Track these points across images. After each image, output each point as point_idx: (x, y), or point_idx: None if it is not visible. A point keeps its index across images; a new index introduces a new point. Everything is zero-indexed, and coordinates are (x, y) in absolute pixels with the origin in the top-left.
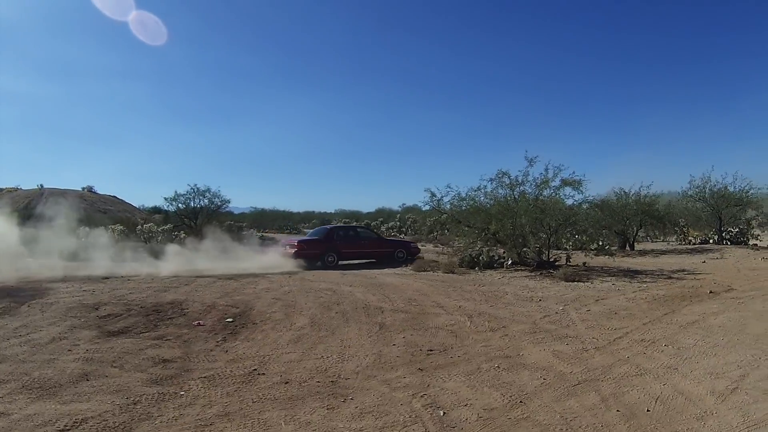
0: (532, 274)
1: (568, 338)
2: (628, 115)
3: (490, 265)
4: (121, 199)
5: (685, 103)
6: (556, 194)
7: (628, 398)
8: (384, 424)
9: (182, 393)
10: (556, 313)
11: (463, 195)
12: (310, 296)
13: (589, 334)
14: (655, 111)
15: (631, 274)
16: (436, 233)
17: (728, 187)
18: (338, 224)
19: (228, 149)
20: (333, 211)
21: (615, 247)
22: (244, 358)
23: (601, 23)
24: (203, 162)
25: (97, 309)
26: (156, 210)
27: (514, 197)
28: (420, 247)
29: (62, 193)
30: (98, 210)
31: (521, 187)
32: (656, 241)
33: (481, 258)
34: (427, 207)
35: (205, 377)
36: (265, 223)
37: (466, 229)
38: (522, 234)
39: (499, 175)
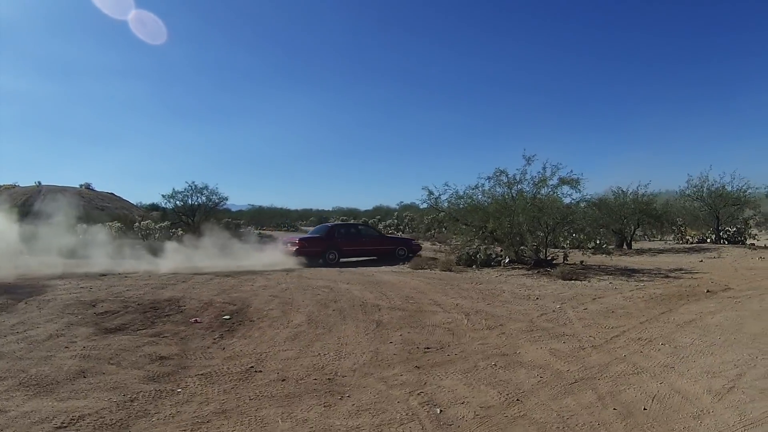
0: (530, 272)
1: (565, 336)
2: (627, 114)
3: (488, 263)
4: (119, 197)
5: (684, 103)
6: (554, 193)
7: (624, 397)
8: (381, 421)
9: (179, 390)
10: (553, 311)
11: (461, 193)
12: (307, 294)
13: (586, 333)
14: (655, 111)
15: (629, 272)
16: (433, 231)
17: (726, 187)
18: (339, 222)
19: (227, 148)
20: (330, 209)
21: (612, 246)
22: (241, 355)
23: (601, 23)
24: (202, 160)
25: (94, 306)
26: (154, 207)
27: (512, 195)
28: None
29: (60, 190)
30: (96, 207)
31: (519, 186)
32: (653, 240)
33: (478, 256)
34: (425, 205)
35: (202, 374)
36: (263, 221)
37: (464, 227)
38: (519, 232)
39: (497, 174)
